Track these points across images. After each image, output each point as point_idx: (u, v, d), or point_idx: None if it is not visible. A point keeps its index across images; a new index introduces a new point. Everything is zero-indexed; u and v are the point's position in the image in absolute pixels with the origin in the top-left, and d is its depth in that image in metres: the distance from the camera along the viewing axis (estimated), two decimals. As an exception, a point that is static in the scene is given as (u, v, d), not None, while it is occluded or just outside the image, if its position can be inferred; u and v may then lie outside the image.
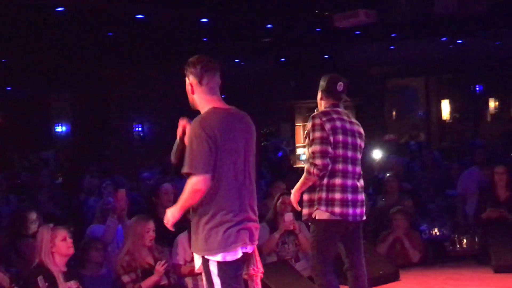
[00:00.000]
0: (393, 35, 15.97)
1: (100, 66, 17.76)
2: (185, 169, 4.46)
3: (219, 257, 4.47)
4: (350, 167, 5.67)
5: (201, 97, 4.61)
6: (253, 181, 4.67)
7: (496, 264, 8.54)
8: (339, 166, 5.61)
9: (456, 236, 9.69)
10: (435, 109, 21.04)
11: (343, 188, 5.61)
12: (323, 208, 5.57)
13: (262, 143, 19.95)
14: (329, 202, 5.57)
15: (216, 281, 4.50)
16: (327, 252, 5.68)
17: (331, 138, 5.57)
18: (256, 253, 4.80)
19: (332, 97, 5.83)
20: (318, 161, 5.54)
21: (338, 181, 5.60)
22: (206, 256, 4.51)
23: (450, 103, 21.10)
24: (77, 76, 17.66)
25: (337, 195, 5.58)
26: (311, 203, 5.66)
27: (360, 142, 5.82)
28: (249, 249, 4.60)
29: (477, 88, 20.96)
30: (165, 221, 4.58)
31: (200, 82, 4.59)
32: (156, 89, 18.04)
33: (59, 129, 19.47)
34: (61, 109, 19.41)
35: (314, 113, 5.75)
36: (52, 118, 19.26)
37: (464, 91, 20.94)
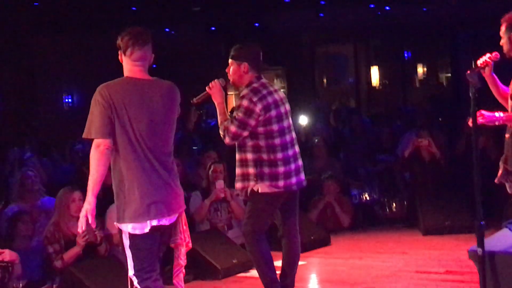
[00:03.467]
0: (321, 2, 16.02)
1: (27, 36, 17.40)
2: (84, 135, 4.52)
3: (128, 228, 4.52)
4: (288, 137, 5.68)
5: (124, 66, 4.71)
6: (167, 149, 4.67)
7: (425, 227, 8.76)
8: (278, 140, 5.60)
9: (386, 200, 9.87)
10: (364, 75, 21.19)
11: (286, 161, 5.61)
12: (266, 182, 5.56)
13: (196, 112, 19.86)
14: (273, 177, 5.56)
15: (128, 253, 4.58)
16: (263, 222, 5.71)
17: (262, 118, 5.51)
18: (183, 221, 4.79)
19: (256, 68, 5.76)
20: (232, 128, 5.53)
21: (279, 155, 5.58)
22: (117, 225, 4.60)
23: (379, 69, 21.28)
24: (4, 47, 17.29)
25: (281, 169, 5.58)
26: (245, 177, 5.64)
27: (288, 107, 5.80)
28: (165, 221, 4.60)
29: (406, 54, 21.17)
30: (83, 214, 4.43)
31: (124, 53, 4.66)
32: (85, 59, 17.78)
33: (-15, 101, 19.05)
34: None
35: (243, 92, 5.64)
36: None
37: (392, 57, 21.13)
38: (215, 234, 7.95)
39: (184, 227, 4.82)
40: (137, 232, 4.51)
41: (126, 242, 4.57)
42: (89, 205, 4.44)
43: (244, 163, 5.64)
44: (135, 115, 4.51)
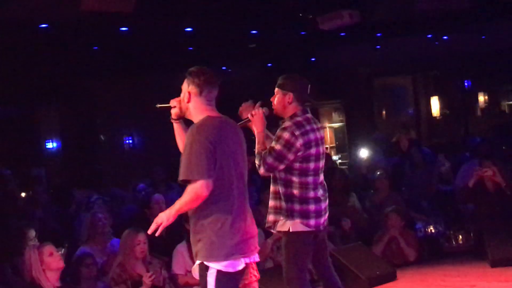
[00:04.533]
0: (378, 34, 15.98)
1: (87, 79, 17.69)
2: (183, 176, 4.42)
3: (220, 266, 4.41)
4: (320, 178, 5.57)
5: (197, 106, 4.64)
6: (247, 186, 4.68)
7: (493, 259, 8.56)
8: (311, 179, 5.48)
9: (452, 232, 9.71)
10: (424, 106, 21.04)
11: (317, 200, 5.49)
12: (297, 220, 5.43)
13: (254, 149, 19.89)
14: (304, 214, 5.44)
15: None
16: (304, 264, 5.55)
17: (301, 154, 5.40)
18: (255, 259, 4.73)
19: (302, 101, 5.64)
20: (269, 159, 5.40)
21: (311, 193, 5.47)
22: (206, 263, 4.44)
23: (439, 99, 21.10)
24: (64, 91, 17.58)
25: (312, 207, 5.46)
26: (277, 211, 5.54)
27: (324, 148, 5.67)
28: (254, 258, 4.60)
29: (466, 84, 20.97)
30: (157, 220, 4.42)
31: (200, 93, 4.62)
32: (144, 100, 17.96)
33: (49, 145, 19.38)
34: (50, 125, 19.32)
35: (286, 124, 5.52)
36: (41, 135, 19.17)
37: (452, 87, 20.95)
38: (280, 272, 7.86)
39: (255, 264, 4.76)
40: (230, 270, 4.43)
41: (211, 281, 4.41)
42: (169, 212, 4.43)
43: (277, 196, 5.54)
44: (227, 153, 4.50)
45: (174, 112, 4.86)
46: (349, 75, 19.43)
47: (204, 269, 4.46)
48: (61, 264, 6.33)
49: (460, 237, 9.65)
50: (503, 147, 13.63)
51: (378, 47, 17.84)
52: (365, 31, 14.55)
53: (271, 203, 5.59)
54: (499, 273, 8.24)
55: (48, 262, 6.24)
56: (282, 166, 5.42)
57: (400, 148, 13.35)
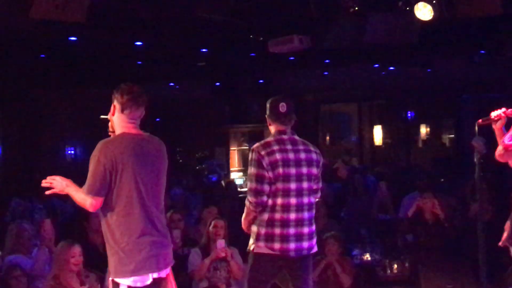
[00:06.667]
0: (326, 61, 16.12)
1: (33, 87, 17.51)
2: (85, 190, 4.64)
3: (129, 282, 4.55)
4: (293, 200, 5.47)
5: (118, 122, 4.78)
6: (162, 204, 4.79)
7: (426, 289, 8.66)
8: (279, 200, 5.43)
9: (387, 261, 9.76)
10: (367, 134, 21.29)
11: (284, 223, 5.43)
12: (261, 243, 5.43)
13: (197, 166, 19.86)
14: (269, 238, 5.42)
15: None
16: (261, 284, 5.52)
17: (270, 174, 5.39)
18: (171, 276, 4.82)
19: (278, 121, 5.66)
20: (252, 199, 5.43)
21: (277, 216, 5.43)
22: (116, 280, 4.59)
23: (383, 128, 21.37)
24: (8, 97, 17.38)
25: (277, 230, 5.42)
26: (253, 235, 5.55)
27: (309, 170, 5.56)
28: (162, 274, 4.67)
29: (409, 115, 21.27)
30: (55, 183, 4.80)
31: (122, 110, 4.74)
32: (89, 112, 17.86)
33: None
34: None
35: (254, 145, 5.56)
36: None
37: (396, 117, 21.23)
38: (214, 292, 7.86)
39: (173, 280, 4.85)
40: (138, 285, 4.56)
41: None
42: (67, 188, 4.75)
43: (255, 220, 5.57)
44: (136, 171, 4.61)
45: (110, 124, 4.94)
46: (296, 99, 19.51)
47: (115, 286, 4.61)
48: None
49: (395, 266, 9.72)
50: (442, 180, 13.82)
51: (326, 73, 17.99)
52: (314, 57, 14.67)
53: (252, 227, 5.60)
54: (431, 304, 8.35)
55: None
56: (266, 187, 5.42)
57: (338, 176, 13.43)
